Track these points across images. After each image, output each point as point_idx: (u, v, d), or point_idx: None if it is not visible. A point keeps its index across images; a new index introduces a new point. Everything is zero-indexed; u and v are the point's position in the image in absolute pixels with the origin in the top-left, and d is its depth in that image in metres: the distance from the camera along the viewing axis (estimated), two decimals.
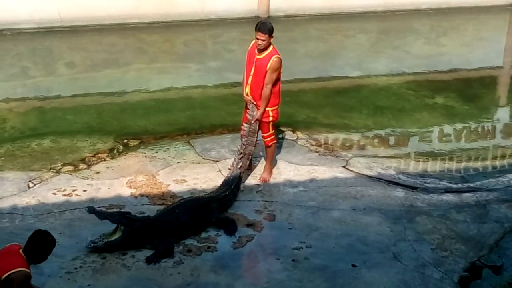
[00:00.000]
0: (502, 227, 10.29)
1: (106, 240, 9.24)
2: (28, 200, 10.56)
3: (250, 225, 10.08)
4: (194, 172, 11.59)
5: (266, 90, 10.74)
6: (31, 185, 11.08)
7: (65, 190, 10.89)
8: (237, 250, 9.50)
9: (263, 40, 10.60)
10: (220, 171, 11.56)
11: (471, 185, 11.63)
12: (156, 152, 12.37)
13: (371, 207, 10.68)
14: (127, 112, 14.63)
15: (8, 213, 10.18)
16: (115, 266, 9.01)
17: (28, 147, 12.63)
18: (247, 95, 10.94)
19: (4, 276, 7.19)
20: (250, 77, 10.85)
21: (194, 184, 11.20)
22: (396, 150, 13.15)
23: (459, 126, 14.29)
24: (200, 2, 20.97)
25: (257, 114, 10.85)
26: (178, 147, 12.62)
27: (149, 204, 10.52)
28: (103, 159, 12.10)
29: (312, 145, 12.91)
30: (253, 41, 10.85)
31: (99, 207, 10.02)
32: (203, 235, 9.77)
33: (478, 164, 12.64)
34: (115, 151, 12.46)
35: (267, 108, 10.86)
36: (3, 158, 12.17)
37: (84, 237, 9.38)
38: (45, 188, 10.97)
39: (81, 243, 9.29)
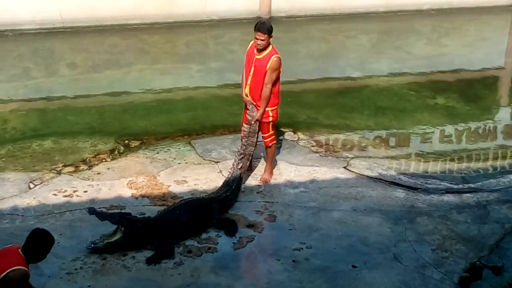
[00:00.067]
0: (502, 228, 10.29)
1: (107, 241, 9.25)
2: (29, 201, 10.57)
3: (250, 226, 10.08)
4: (195, 173, 11.60)
5: (266, 90, 10.74)
6: (31, 186, 11.09)
7: (65, 191, 10.90)
8: (238, 251, 9.50)
9: (263, 40, 10.60)
10: (221, 172, 11.56)
11: (472, 185, 11.63)
12: (157, 153, 12.37)
13: (372, 208, 10.68)
14: (128, 113, 14.64)
15: (8, 214, 10.19)
16: (116, 267, 9.01)
17: (29, 148, 12.64)
18: (246, 95, 10.94)
19: (2, 275, 7.18)
20: (250, 78, 10.85)
21: (195, 185, 11.21)
22: (397, 151, 13.15)
23: (460, 126, 14.29)
24: (202, 3, 20.97)
25: (257, 114, 10.84)
26: (179, 148, 12.63)
27: (149, 205, 10.53)
28: (104, 160, 12.11)
29: (313, 145, 12.91)
30: (252, 42, 10.85)
31: (99, 208, 10.04)
32: (204, 236, 9.77)
33: (479, 165, 12.63)
34: (116, 152, 12.47)
35: (267, 108, 10.86)
36: (4, 159, 12.18)
37: (85, 238, 9.39)
38: (46, 189, 10.98)
39: (82, 244, 9.30)
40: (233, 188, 10.66)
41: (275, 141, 11.41)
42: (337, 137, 13.48)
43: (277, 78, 10.86)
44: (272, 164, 11.55)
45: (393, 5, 22.65)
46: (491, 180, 11.82)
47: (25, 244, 7.50)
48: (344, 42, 20.83)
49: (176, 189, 11.05)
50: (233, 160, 11.14)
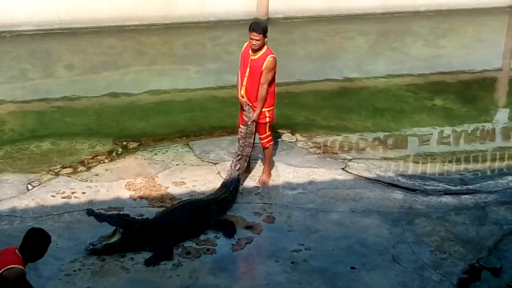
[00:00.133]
0: (501, 229, 10.28)
1: (105, 242, 9.24)
2: (27, 202, 10.56)
3: (249, 227, 10.07)
4: (193, 175, 11.59)
5: (262, 90, 10.73)
6: (30, 187, 11.08)
7: (64, 192, 10.89)
8: (236, 252, 9.50)
9: (258, 40, 10.59)
10: (219, 173, 11.56)
11: (470, 187, 11.61)
12: (155, 154, 12.37)
13: (370, 209, 10.68)
14: (126, 114, 14.64)
15: (7, 215, 10.18)
16: (114, 268, 9.00)
17: (27, 149, 12.63)
18: (242, 97, 10.94)
19: None
20: (245, 79, 10.84)
21: (193, 186, 11.20)
22: (395, 152, 13.15)
23: (458, 128, 14.29)
24: (199, 4, 20.97)
25: (253, 115, 10.84)
26: (177, 149, 12.62)
27: (148, 207, 10.52)
28: (102, 161, 12.11)
29: (311, 147, 12.91)
30: (247, 43, 10.84)
31: (98, 209, 10.02)
32: (202, 237, 9.77)
33: (477, 166, 12.64)
34: (114, 154, 12.47)
35: (263, 109, 10.85)
36: (1, 160, 12.18)
37: (83, 239, 9.39)
38: (44, 190, 10.97)
39: (80, 246, 9.29)
40: (231, 189, 10.65)
41: (272, 142, 11.40)
42: (335, 138, 13.48)
43: (273, 79, 10.85)
44: (270, 165, 11.55)
45: (390, 7, 22.67)
46: (489, 182, 11.81)
47: (22, 244, 7.48)
48: (341, 44, 20.84)
49: (174, 190, 11.05)
50: (231, 161, 11.14)
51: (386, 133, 13.93)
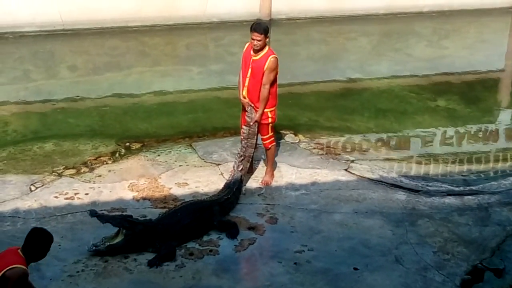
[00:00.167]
0: (504, 230, 10.28)
1: (108, 243, 9.24)
2: (30, 203, 10.57)
3: (252, 228, 10.07)
4: (196, 175, 11.59)
5: (264, 90, 10.73)
6: (33, 188, 11.09)
7: (67, 193, 10.89)
8: (239, 253, 9.50)
9: (259, 40, 10.59)
10: (222, 174, 11.56)
11: (473, 188, 11.61)
12: (158, 155, 12.37)
13: (373, 210, 10.68)
14: (129, 115, 14.65)
15: (10, 216, 10.18)
16: (117, 269, 9.01)
17: (30, 150, 12.64)
18: (244, 97, 10.94)
19: (1, 274, 7.17)
20: (247, 79, 10.84)
21: (196, 187, 11.20)
22: (398, 153, 13.15)
23: (461, 129, 14.29)
24: (202, 5, 20.97)
25: (255, 115, 10.84)
26: (180, 150, 12.62)
27: (151, 208, 10.52)
28: (105, 162, 12.11)
29: (314, 148, 12.90)
30: (248, 43, 10.85)
31: (101, 210, 10.03)
32: (205, 238, 9.77)
33: (480, 167, 12.64)
34: (117, 154, 12.48)
35: (265, 110, 10.85)
36: (5, 161, 12.19)
37: (86, 240, 9.39)
38: (47, 191, 10.98)
39: (83, 247, 9.30)
40: (234, 190, 10.65)
41: (274, 143, 11.39)
42: (338, 139, 13.47)
43: (275, 79, 10.85)
44: (272, 166, 11.54)
45: (393, 7, 22.65)
46: (493, 183, 11.81)
47: (24, 244, 7.49)
48: (344, 44, 20.83)
49: (177, 191, 11.05)
50: (234, 162, 11.14)
51: (389, 134, 13.93)
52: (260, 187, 11.28)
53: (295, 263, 9.27)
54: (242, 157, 10.98)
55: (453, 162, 12.76)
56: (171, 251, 9.30)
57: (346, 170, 12.03)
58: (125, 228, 9.27)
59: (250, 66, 10.77)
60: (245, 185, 11.15)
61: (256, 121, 10.86)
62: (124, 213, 10.06)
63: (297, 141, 13.15)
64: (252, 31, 10.64)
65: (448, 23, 22.72)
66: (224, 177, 11.28)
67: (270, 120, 11.00)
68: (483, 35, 22.08)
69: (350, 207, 10.75)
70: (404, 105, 15.63)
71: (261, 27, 10.70)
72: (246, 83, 10.87)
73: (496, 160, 13.00)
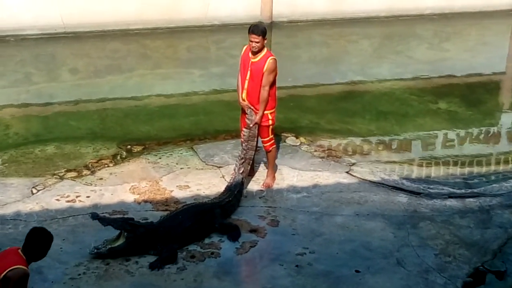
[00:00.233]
0: (505, 233, 10.28)
1: (110, 246, 9.25)
2: (32, 206, 10.58)
3: (253, 231, 10.08)
4: (197, 178, 11.60)
5: (264, 92, 10.72)
6: (34, 191, 11.10)
7: (68, 196, 10.90)
8: (241, 256, 9.51)
9: (257, 42, 10.59)
10: (223, 177, 11.56)
11: (475, 190, 11.61)
12: (159, 158, 12.37)
13: (375, 213, 10.68)
14: (130, 118, 14.65)
15: (11, 219, 10.19)
16: (119, 272, 9.01)
17: (31, 153, 12.64)
18: (243, 100, 10.93)
19: (2, 275, 7.18)
20: (246, 82, 10.83)
21: (198, 190, 11.21)
22: (399, 156, 13.14)
23: (462, 131, 14.28)
24: (204, 8, 20.97)
25: (255, 118, 10.83)
26: (181, 153, 12.62)
27: (152, 210, 10.53)
28: (106, 165, 12.11)
29: (315, 150, 12.90)
30: (246, 46, 10.85)
31: (102, 213, 10.03)
32: (207, 241, 9.78)
33: (482, 170, 12.63)
34: (119, 157, 12.48)
35: (265, 112, 10.85)
36: (6, 164, 12.20)
37: (88, 243, 9.41)
38: (49, 194, 10.99)
39: (85, 249, 9.32)
40: (235, 193, 10.66)
41: (275, 145, 11.39)
42: (339, 142, 13.47)
43: (274, 81, 10.85)
44: (273, 168, 11.54)
45: (394, 10, 22.62)
46: (494, 185, 11.81)
47: (24, 244, 7.50)
48: (345, 47, 20.82)
49: (178, 194, 11.05)
50: (234, 165, 11.14)
51: (390, 137, 13.93)
52: (261, 190, 11.29)
53: (296, 266, 9.27)
54: (243, 160, 10.98)
55: (455, 165, 12.74)
56: (173, 254, 9.31)
57: (347, 172, 12.03)
58: (126, 231, 9.27)
59: (249, 68, 10.76)
60: (246, 188, 11.15)
61: (256, 123, 10.85)
62: (126, 216, 10.07)
63: (298, 144, 13.15)
64: (250, 33, 10.64)
65: (449, 25, 22.70)
66: (225, 180, 11.29)
67: (270, 122, 11.00)
68: (485, 38, 22.06)
69: (351, 210, 10.76)
70: (405, 108, 15.63)
71: (259, 28, 10.70)
72: (245, 86, 10.86)
73: (498, 163, 12.99)
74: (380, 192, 11.37)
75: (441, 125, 14.55)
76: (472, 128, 14.40)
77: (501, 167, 12.78)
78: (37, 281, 8.61)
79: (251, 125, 10.87)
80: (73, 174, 11.75)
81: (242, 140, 11.07)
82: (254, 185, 11.40)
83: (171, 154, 12.55)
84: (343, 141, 13.53)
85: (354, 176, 11.91)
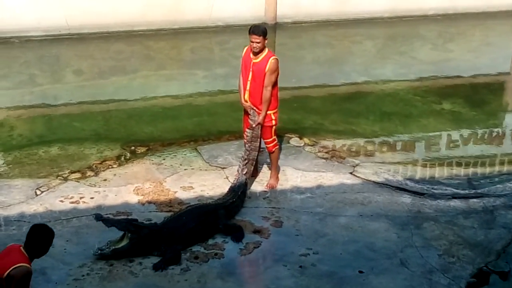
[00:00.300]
0: (509, 233, 10.27)
1: (113, 247, 9.26)
2: (36, 207, 10.59)
3: (257, 231, 10.08)
4: (201, 179, 11.61)
5: (267, 93, 10.72)
6: (38, 192, 11.12)
7: (72, 197, 10.92)
8: (244, 256, 9.52)
9: (258, 43, 10.59)
10: (227, 177, 11.57)
11: (478, 191, 11.61)
12: (163, 159, 12.38)
13: (378, 213, 10.68)
14: (134, 119, 14.65)
15: (16, 220, 10.21)
16: (122, 273, 9.02)
17: (35, 154, 12.66)
18: (246, 101, 10.93)
19: (6, 274, 7.20)
20: (248, 83, 10.83)
21: (201, 191, 11.22)
22: (403, 156, 13.14)
23: (466, 132, 14.27)
24: (207, 9, 20.99)
25: (258, 118, 10.84)
26: (185, 154, 12.64)
27: (156, 211, 10.54)
28: (110, 166, 12.13)
29: (319, 151, 12.90)
30: (247, 47, 10.85)
31: (106, 214, 10.06)
32: (210, 242, 9.79)
33: (485, 170, 12.62)
34: (122, 158, 12.49)
35: (268, 112, 10.85)
36: (10, 165, 12.22)
37: (91, 244, 9.41)
38: (53, 195, 11.00)
39: (88, 250, 9.32)
40: (239, 194, 10.66)
41: (277, 146, 11.39)
42: (343, 142, 13.46)
43: (276, 81, 10.85)
44: (277, 169, 11.55)
45: (398, 11, 22.61)
46: (498, 185, 11.81)
47: (26, 241, 7.51)
48: (349, 48, 20.81)
49: (182, 195, 11.06)
50: (238, 166, 11.15)
51: (394, 137, 13.92)
52: (265, 191, 11.29)
53: (300, 267, 9.28)
54: (246, 161, 10.99)
55: (458, 165, 12.74)
56: (176, 255, 9.32)
57: (351, 173, 12.04)
58: (130, 232, 9.28)
59: (251, 69, 10.76)
60: (249, 189, 11.15)
61: (259, 124, 10.86)
62: (130, 217, 10.08)
63: (302, 145, 13.15)
64: (251, 34, 10.64)
65: (453, 26, 22.69)
66: (229, 181, 11.29)
67: (273, 122, 11.00)
68: (488, 38, 22.04)
69: (355, 210, 10.76)
70: (409, 108, 15.61)
71: (259, 29, 10.70)
72: (248, 87, 10.86)
73: (501, 163, 12.98)
74: (384, 192, 11.37)
75: (445, 125, 14.53)
76: (476, 129, 14.38)
77: (505, 168, 12.78)
78: (40, 282, 8.63)
79: (254, 126, 10.87)
80: (77, 175, 11.77)
81: (245, 141, 11.08)
82: (258, 186, 11.41)
83: (175, 155, 12.56)
84: (347, 141, 13.53)
85: (358, 176, 11.91)
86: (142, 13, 20.36)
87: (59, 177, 11.67)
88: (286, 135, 13.21)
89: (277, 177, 11.49)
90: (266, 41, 10.70)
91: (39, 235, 7.51)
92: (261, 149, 11.33)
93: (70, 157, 12.54)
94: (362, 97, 16.36)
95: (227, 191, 10.76)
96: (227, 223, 10.10)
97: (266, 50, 10.76)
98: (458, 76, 18.14)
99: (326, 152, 12.88)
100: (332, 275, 9.10)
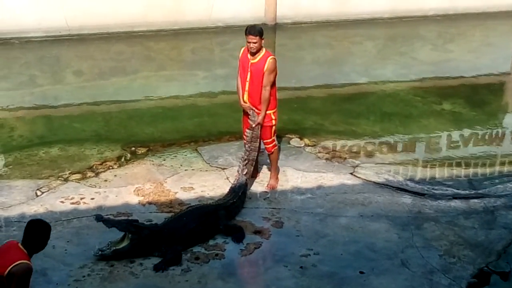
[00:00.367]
0: (510, 233, 10.27)
1: (114, 248, 9.26)
2: (36, 208, 10.59)
3: (257, 232, 10.08)
4: (201, 180, 11.61)
5: (265, 92, 10.72)
6: (39, 193, 11.12)
7: (73, 198, 10.92)
8: (245, 257, 9.52)
9: (255, 43, 10.59)
10: (227, 178, 11.57)
11: (479, 191, 11.61)
12: (164, 160, 12.38)
13: (379, 214, 10.68)
14: (134, 120, 14.65)
15: (16, 221, 10.20)
16: (123, 274, 9.02)
17: (36, 155, 12.66)
18: (245, 102, 10.93)
19: (6, 271, 7.20)
20: (247, 84, 10.83)
21: (202, 191, 11.22)
22: (404, 157, 13.13)
23: (466, 132, 14.27)
24: (208, 10, 20.99)
25: (258, 118, 10.84)
26: (186, 155, 12.64)
27: (156, 212, 10.54)
28: (110, 167, 12.13)
29: (319, 152, 12.90)
30: (243, 48, 10.86)
31: (106, 215, 10.06)
32: (211, 242, 9.79)
33: (486, 170, 12.61)
34: (123, 159, 12.49)
35: (268, 112, 10.85)
36: (11, 166, 12.22)
37: (92, 245, 9.41)
38: (53, 196, 11.00)
39: (89, 251, 9.32)
40: (239, 194, 10.66)
41: (276, 147, 11.40)
42: (343, 143, 13.46)
43: (274, 80, 10.85)
44: (276, 170, 11.55)
45: (398, 11, 22.62)
46: (498, 186, 11.81)
47: (24, 237, 7.52)
48: (349, 48, 20.82)
49: (183, 196, 11.06)
50: (238, 166, 11.15)
51: (394, 138, 13.92)
52: (265, 191, 11.29)
53: (301, 267, 9.28)
54: (246, 161, 10.99)
55: (459, 166, 12.74)
56: (177, 256, 9.32)
57: (351, 173, 12.04)
58: (131, 233, 9.28)
59: (249, 70, 10.77)
60: (250, 189, 11.16)
61: (259, 124, 10.86)
62: (130, 218, 10.08)
63: (302, 145, 13.15)
64: (247, 34, 10.65)
65: (453, 26, 22.70)
66: (229, 181, 11.28)
67: (273, 122, 11.00)
68: (489, 39, 22.04)
69: (355, 211, 10.76)
70: (409, 109, 15.61)
71: (255, 29, 10.70)
72: (246, 88, 10.86)
73: (502, 164, 12.97)
74: (384, 193, 11.37)
75: (445, 126, 14.54)
76: (476, 129, 14.38)
77: (505, 168, 12.77)
78: (41, 283, 8.63)
79: (254, 126, 10.87)
80: (78, 176, 11.77)
81: (245, 141, 11.08)
82: (258, 187, 11.41)
83: (176, 156, 12.57)
84: (347, 142, 13.52)
85: (358, 177, 11.91)
86: (143, 14, 20.37)
87: (59, 178, 11.67)
88: (286, 135, 13.22)
89: (277, 178, 11.49)
90: (263, 41, 10.70)
91: (37, 230, 7.53)
92: (261, 150, 11.32)
93: (70, 158, 12.54)
94: (362, 97, 16.37)
95: (228, 192, 10.77)
96: (228, 224, 10.10)
97: (264, 50, 10.76)
98: (458, 77, 18.14)
99: (326, 153, 12.88)
100: (333, 276, 9.10)
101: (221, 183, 11.43)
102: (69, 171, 11.94)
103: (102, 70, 18.22)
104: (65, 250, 9.40)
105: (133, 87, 16.87)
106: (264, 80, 10.67)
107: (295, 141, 13.26)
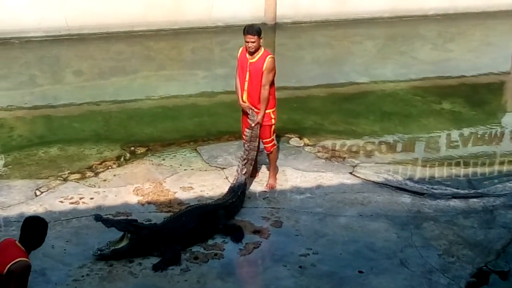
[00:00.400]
0: (509, 233, 10.27)
1: (113, 247, 9.25)
2: (35, 208, 10.58)
3: (257, 232, 10.08)
4: (201, 179, 11.61)
5: (265, 92, 10.72)
6: (38, 193, 11.12)
7: (72, 198, 10.92)
8: (244, 257, 9.51)
9: (253, 42, 10.59)
10: (227, 178, 11.57)
11: (478, 190, 11.61)
12: (163, 160, 12.39)
13: (378, 213, 10.68)
14: (134, 119, 14.65)
15: (15, 221, 10.18)
16: (122, 273, 9.02)
17: (35, 155, 12.66)
18: (244, 102, 10.93)
19: (5, 269, 7.20)
20: (246, 83, 10.84)
21: (201, 191, 11.22)
22: (403, 156, 13.13)
23: (466, 131, 14.27)
24: (207, 10, 21.00)
25: (257, 118, 10.83)
26: (185, 155, 12.64)
27: (156, 212, 10.54)
28: (110, 167, 12.13)
29: (319, 151, 12.90)
30: (242, 47, 10.86)
31: (106, 214, 10.06)
32: (210, 242, 9.78)
33: (485, 170, 12.61)
34: (122, 159, 12.49)
35: (267, 111, 10.85)
36: (10, 166, 12.22)
37: (91, 245, 9.40)
38: (52, 196, 11.00)
39: (88, 251, 9.31)
40: (239, 194, 10.65)
41: (275, 147, 11.40)
42: (343, 142, 13.46)
43: (273, 79, 10.85)
44: (275, 169, 11.54)
45: (398, 11, 22.63)
46: (498, 185, 11.81)
47: (21, 235, 7.52)
48: (349, 48, 20.82)
49: (182, 195, 11.06)
50: (237, 166, 11.15)
51: (394, 137, 13.92)
52: (265, 191, 11.29)
53: (300, 267, 9.27)
54: (246, 161, 10.98)
55: (458, 165, 12.73)
56: (176, 255, 9.32)
57: (351, 173, 12.04)
58: (130, 232, 9.28)
59: (248, 69, 10.77)
60: (249, 189, 11.15)
61: (258, 123, 10.86)
62: (129, 218, 10.08)
63: (302, 145, 13.15)
64: (245, 34, 10.65)
65: (453, 26, 22.70)
66: (229, 181, 11.28)
67: (273, 121, 11.01)
68: (489, 38, 22.04)
69: (355, 210, 10.76)
70: (409, 108, 15.61)
71: (253, 28, 10.70)
72: (245, 87, 10.87)
73: (501, 163, 12.98)
74: (384, 192, 11.37)
75: (445, 125, 14.54)
76: (475, 129, 14.39)
77: (504, 168, 12.77)
78: (40, 283, 8.63)
79: (253, 125, 10.87)
80: (77, 176, 11.77)
81: (244, 141, 11.08)
82: (257, 186, 11.41)
83: (175, 156, 12.57)
84: (346, 142, 13.52)
85: (358, 176, 11.91)
86: (143, 13, 20.38)
87: (58, 178, 11.67)
88: (286, 135, 13.23)
89: (276, 177, 11.48)
90: (261, 40, 10.70)
91: (33, 227, 7.53)
92: (260, 150, 11.32)
93: (70, 158, 12.54)
94: (362, 97, 16.37)
95: (227, 191, 10.76)
96: (227, 224, 10.10)
97: (262, 49, 10.76)
98: (458, 76, 18.13)
99: (325, 152, 12.88)
100: (332, 275, 9.10)
101: (220, 183, 11.43)
102: (69, 171, 11.94)
103: (102, 70, 18.23)
104: (64, 250, 9.40)
105: (133, 87, 16.88)
106: (263, 79, 10.67)
107: (294, 141, 13.26)
